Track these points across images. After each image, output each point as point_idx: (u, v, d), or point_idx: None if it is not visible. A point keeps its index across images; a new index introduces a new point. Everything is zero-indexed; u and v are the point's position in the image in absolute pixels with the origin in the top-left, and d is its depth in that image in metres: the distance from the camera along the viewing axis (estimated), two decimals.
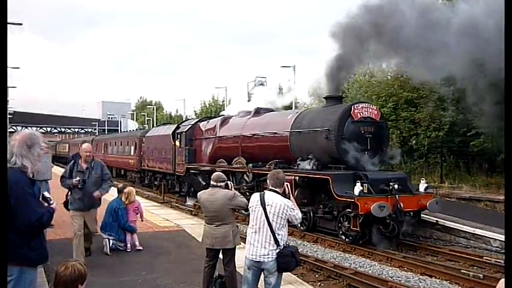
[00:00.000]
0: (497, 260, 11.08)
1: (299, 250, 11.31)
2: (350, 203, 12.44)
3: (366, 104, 14.33)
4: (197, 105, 58.44)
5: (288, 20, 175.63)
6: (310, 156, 14.34)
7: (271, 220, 5.64)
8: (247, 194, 17.59)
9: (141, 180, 30.01)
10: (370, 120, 13.92)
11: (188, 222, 14.23)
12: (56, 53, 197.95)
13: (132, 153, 30.78)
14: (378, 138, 13.85)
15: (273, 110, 19.49)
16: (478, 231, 13.16)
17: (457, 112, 21.88)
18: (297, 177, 14.09)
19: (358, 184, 12.31)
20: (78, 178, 8.00)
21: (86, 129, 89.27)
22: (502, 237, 12.12)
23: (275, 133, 16.28)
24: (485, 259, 11.39)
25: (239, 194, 7.00)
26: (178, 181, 23.89)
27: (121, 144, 33.92)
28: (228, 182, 6.94)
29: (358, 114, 13.75)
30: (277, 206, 5.66)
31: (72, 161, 8.28)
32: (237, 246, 6.91)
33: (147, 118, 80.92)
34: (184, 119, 51.33)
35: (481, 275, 9.98)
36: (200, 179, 20.62)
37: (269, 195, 5.76)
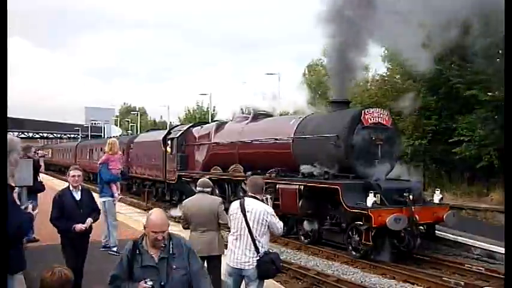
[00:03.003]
0: (479, 268, 11.22)
1: (282, 257, 10.99)
2: (361, 215, 11.58)
3: (377, 109, 13.49)
4: (182, 111, 57.96)
5: (276, 28, 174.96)
6: (315, 164, 13.45)
7: (251, 227, 5.62)
8: None
9: (128, 188, 28.88)
10: (381, 126, 13.09)
11: (172, 229, 13.41)
12: (41, 58, 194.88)
13: None
14: (389, 146, 13.02)
15: (271, 115, 18.59)
16: (460, 239, 13.16)
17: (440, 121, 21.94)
18: (302, 187, 13.18)
19: (371, 195, 11.46)
20: (149, 283, 3.96)
21: (68, 135, 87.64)
22: (483, 245, 12.61)
23: (276, 139, 15.37)
24: (467, 266, 11.38)
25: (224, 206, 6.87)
26: (169, 189, 22.84)
27: None
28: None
29: (369, 120, 12.92)
30: (257, 213, 5.64)
31: (132, 247, 4.13)
32: (222, 255, 6.78)
33: (131, 124, 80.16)
34: (171, 126, 50.98)
35: (462, 283, 9.97)
36: (193, 187, 19.56)
37: (249, 202, 5.73)
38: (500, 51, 20.05)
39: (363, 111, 13.00)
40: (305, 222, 13.64)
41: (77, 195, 6.98)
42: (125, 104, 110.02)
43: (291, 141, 14.70)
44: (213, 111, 50.48)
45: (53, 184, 28.41)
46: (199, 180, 7.07)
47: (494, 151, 18.27)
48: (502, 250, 11.84)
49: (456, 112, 21.29)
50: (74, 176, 6.99)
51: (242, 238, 5.68)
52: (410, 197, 11.69)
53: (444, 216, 11.96)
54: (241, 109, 19.59)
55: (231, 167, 17.59)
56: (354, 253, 12.05)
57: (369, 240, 11.41)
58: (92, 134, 79.86)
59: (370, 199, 11.40)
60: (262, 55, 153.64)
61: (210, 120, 33.79)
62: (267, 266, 5.63)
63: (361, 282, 10.33)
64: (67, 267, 4.66)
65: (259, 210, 5.67)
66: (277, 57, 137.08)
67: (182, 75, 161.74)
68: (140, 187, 26.69)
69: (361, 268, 11.46)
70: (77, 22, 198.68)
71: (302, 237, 13.86)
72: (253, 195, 5.83)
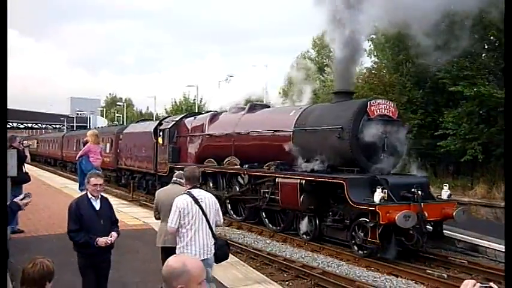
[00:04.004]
0: (462, 261, 11.40)
1: (268, 250, 12.55)
2: (367, 211, 11.00)
3: (383, 100, 12.87)
4: (169, 103, 57.66)
5: (265, 19, 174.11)
6: (317, 158, 12.84)
7: (208, 215, 5.84)
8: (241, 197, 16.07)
9: (117, 180, 28.06)
10: (387, 118, 12.47)
11: (157, 221, 13.24)
12: (27, 47, 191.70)
13: (107, 151, 28.73)
14: (395, 139, 12.41)
15: (268, 106, 17.92)
16: (444, 232, 12.84)
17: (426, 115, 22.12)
18: (304, 181, 12.57)
19: (379, 190, 10.87)
20: None
21: (54, 125, 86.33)
22: (467, 238, 12.70)
23: (275, 131, 14.72)
24: (450, 259, 11.52)
25: None
26: (160, 182, 22.08)
27: None
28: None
29: (375, 112, 12.30)
30: (209, 201, 5.93)
31: None
32: None
33: (117, 115, 79.43)
34: (157, 117, 50.35)
35: (445, 275, 10.10)
36: None
37: (198, 193, 5.92)
38: (486, 47, 20.02)
39: (368, 103, 12.37)
40: (304, 221, 13.07)
41: (97, 205, 5.94)
42: (110, 94, 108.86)
43: (291, 133, 14.06)
44: (200, 102, 50.32)
45: (38, 175, 27.66)
46: (176, 172, 7.20)
47: (478, 145, 18.34)
48: (485, 243, 12.16)
49: (442, 106, 21.36)
50: (95, 184, 5.88)
51: (201, 229, 5.82)
52: (419, 192, 11.16)
53: (454, 214, 11.41)
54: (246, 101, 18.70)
55: (226, 160, 16.93)
56: (359, 251, 11.49)
57: (376, 238, 10.83)
58: (78, 124, 78.92)
59: (378, 195, 10.83)
60: (251, 47, 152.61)
61: (197, 112, 33.12)
62: (224, 249, 6.09)
63: (346, 274, 10.43)
64: None
65: (209, 197, 6.00)
66: (265, 49, 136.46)
67: (170, 67, 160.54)
68: (129, 179, 25.90)
69: (346, 260, 11.51)
70: (65, 12, 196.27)
71: (303, 235, 13.28)
72: (195, 185, 6.07)
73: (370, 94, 23.45)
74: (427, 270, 10.48)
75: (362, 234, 11.32)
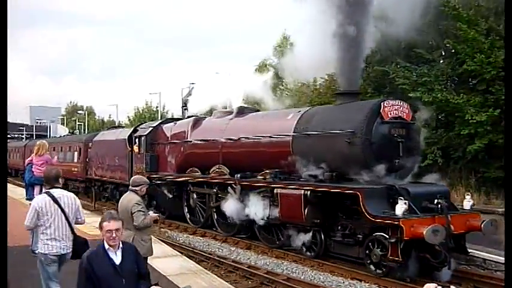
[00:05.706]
0: None
1: (232, 257, 12.67)
2: (386, 226, 9.75)
3: (397, 101, 11.62)
4: (132, 111, 56.93)
5: (228, 26, 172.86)
6: (322, 165, 11.55)
7: (67, 214, 6.15)
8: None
9: (86, 191, 26.21)
10: (401, 121, 11.27)
11: None
12: None
13: (75, 160, 26.89)
14: (410, 143, 11.23)
15: (258, 110, 16.58)
16: None
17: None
18: (308, 192, 11.25)
19: (401, 201, 9.63)
20: None
21: (12, 135, 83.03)
22: None
23: (271, 137, 13.36)
24: None
25: (143, 206, 6.75)
26: None
27: (61, 150, 29.63)
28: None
29: (389, 114, 11.06)
30: (68, 199, 6.27)
31: None
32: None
33: (78, 123, 77.59)
34: (120, 125, 48.61)
35: (407, 278, 9.87)
36: (165, 191, 17.41)
37: (57, 192, 6.22)
38: (444, 54, 20.54)
39: (382, 104, 11.11)
40: (307, 236, 11.77)
41: (116, 258, 4.44)
42: (71, 102, 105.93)
43: (290, 138, 12.71)
44: (163, 110, 49.49)
45: None
46: (132, 178, 7.25)
47: (438, 150, 18.63)
48: None
49: None
50: (110, 230, 4.45)
51: (61, 226, 6.10)
52: (444, 203, 9.98)
53: (482, 225, 10.24)
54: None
55: (213, 169, 15.46)
56: (377, 270, 10.20)
57: (398, 256, 9.59)
58: (37, 133, 76.30)
59: (400, 207, 9.57)
60: (215, 54, 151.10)
61: (160, 119, 31.72)
62: (84, 246, 6.07)
63: (311, 280, 10.49)
64: None
65: (69, 196, 6.33)
66: (230, 56, 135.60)
67: (133, 75, 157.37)
68: (100, 190, 24.13)
69: (310, 266, 11.46)
70: (24, 18, 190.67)
71: (304, 250, 11.96)
72: (58, 185, 6.39)
73: (332, 100, 22.75)
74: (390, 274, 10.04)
75: (379, 250, 10.06)
